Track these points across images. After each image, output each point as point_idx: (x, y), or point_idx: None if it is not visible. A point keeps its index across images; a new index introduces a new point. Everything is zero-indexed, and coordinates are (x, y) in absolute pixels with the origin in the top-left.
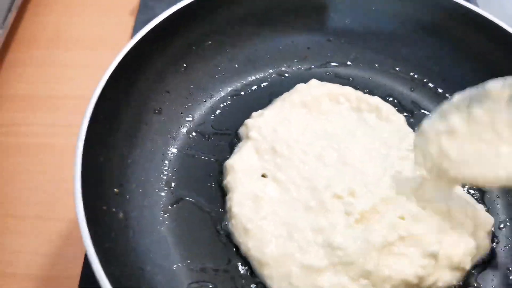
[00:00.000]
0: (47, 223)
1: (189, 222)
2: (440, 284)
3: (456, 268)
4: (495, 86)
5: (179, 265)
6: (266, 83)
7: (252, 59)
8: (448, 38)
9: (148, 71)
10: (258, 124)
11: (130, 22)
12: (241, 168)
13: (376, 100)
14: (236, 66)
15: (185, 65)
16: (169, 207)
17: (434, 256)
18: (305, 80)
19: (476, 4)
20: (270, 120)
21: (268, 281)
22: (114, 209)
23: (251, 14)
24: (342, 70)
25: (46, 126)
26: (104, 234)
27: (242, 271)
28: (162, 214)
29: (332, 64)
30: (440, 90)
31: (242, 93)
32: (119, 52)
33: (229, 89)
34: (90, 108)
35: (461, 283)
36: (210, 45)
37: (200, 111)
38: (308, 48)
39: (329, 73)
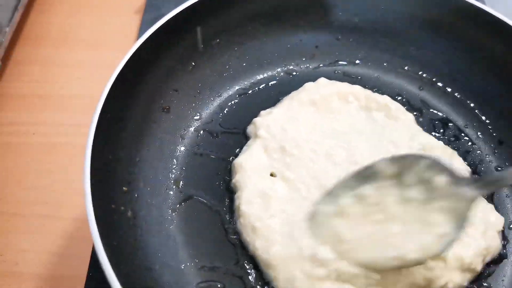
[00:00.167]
0: (55, 222)
1: (198, 221)
2: (450, 286)
3: (467, 269)
4: (382, 163)
5: (188, 264)
6: (274, 82)
7: (260, 57)
8: (457, 37)
9: (156, 70)
10: (266, 122)
11: (136, 21)
12: (250, 167)
13: (385, 98)
14: (244, 64)
15: (193, 64)
16: (178, 205)
17: (442, 258)
18: (313, 79)
19: (483, 2)
20: (278, 118)
21: (275, 282)
22: (122, 208)
23: (259, 13)
24: (350, 69)
25: (54, 126)
26: (112, 233)
27: (250, 271)
28: (170, 213)
29: (340, 62)
30: (449, 89)
31: (250, 91)
32: (125, 51)
33: (237, 87)
34: (99, 107)
35: (471, 284)
36: (218, 43)
37: (208, 110)
38: (317, 46)
39: (337, 71)
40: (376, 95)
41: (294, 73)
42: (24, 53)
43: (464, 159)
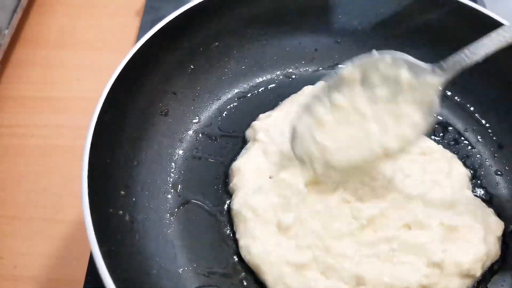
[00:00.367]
0: (54, 225)
1: (196, 225)
2: None
3: (466, 275)
4: (346, 69)
5: (185, 268)
6: (274, 85)
7: (259, 60)
8: (457, 42)
9: (155, 72)
10: (265, 126)
11: (135, 23)
12: (248, 170)
13: None
14: (243, 67)
15: (192, 67)
16: (176, 209)
17: (438, 265)
18: (312, 82)
19: (483, 5)
20: (277, 122)
21: (267, 284)
22: (120, 212)
23: (258, 16)
24: None
25: (53, 128)
26: (110, 237)
27: (248, 276)
28: (168, 217)
29: (340, 66)
30: (449, 93)
31: (249, 95)
32: (124, 53)
33: (236, 91)
34: (97, 111)
35: None
36: (217, 46)
37: (206, 113)
38: (316, 49)
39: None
40: None
41: (294, 76)
42: (23, 55)
43: (464, 163)
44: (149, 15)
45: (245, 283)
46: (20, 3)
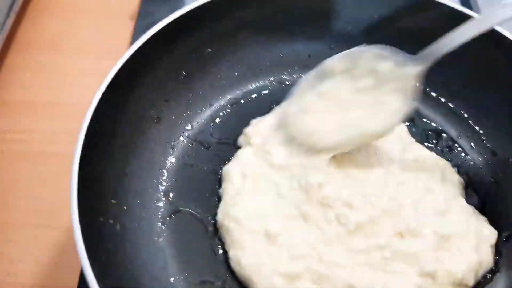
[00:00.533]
0: (47, 232)
1: (188, 234)
2: None
3: (458, 284)
4: (333, 60)
5: (177, 277)
6: (267, 91)
7: (252, 66)
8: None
9: (147, 79)
10: (259, 130)
11: (129, 27)
12: (237, 174)
13: None
14: (236, 74)
15: (184, 73)
16: (167, 218)
17: (431, 275)
18: None
19: (478, 12)
20: (271, 127)
21: None
22: (111, 221)
23: (251, 22)
24: None
25: (46, 133)
26: (100, 247)
27: (241, 285)
28: (160, 226)
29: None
30: (443, 100)
31: (242, 101)
32: (118, 57)
33: (229, 97)
34: (87, 118)
35: None
36: (210, 52)
37: (199, 120)
38: (309, 55)
39: None
40: None
41: (287, 83)
42: (16, 60)
43: (458, 171)
44: (143, 20)
45: None
46: (13, 7)
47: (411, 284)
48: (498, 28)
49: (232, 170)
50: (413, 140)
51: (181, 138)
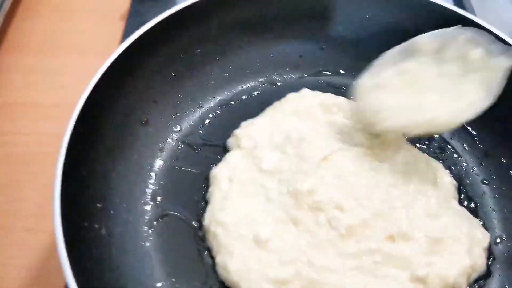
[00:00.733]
0: (35, 236)
1: (175, 238)
2: None
3: None
4: (424, 38)
5: (163, 283)
6: (257, 92)
7: (243, 67)
8: None
9: (135, 80)
10: (249, 133)
11: (120, 27)
12: (224, 178)
13: None
14: (227, 74)
15: (173, 74)
16: (154, 222)
17: (422, 279)
18: (297, 89)
19: (473, 13)
20: (261, 129)
21: None
22: (96, 225)
23: (242, 22)
24: (335, 79)
25: (35, 135)
26: (85, 253)
27: None
28: (146, 230)
29: (324, 72)
30: None
31: (232, 102)
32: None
33: (219, 98)
34: (73, 120)
35: None
36: (200, 53)
37: (188, 122)
38: (301, 56)
39: (321, 81)
40: None
41: (278, 83)
42: (6, 61)
43: (450, 172)
44: (133, 20)
45: None
46: (2, 8)
47: None
48: (494, 29)
49: (220, 174)
50: (405, 140)
51: (170, 140)
